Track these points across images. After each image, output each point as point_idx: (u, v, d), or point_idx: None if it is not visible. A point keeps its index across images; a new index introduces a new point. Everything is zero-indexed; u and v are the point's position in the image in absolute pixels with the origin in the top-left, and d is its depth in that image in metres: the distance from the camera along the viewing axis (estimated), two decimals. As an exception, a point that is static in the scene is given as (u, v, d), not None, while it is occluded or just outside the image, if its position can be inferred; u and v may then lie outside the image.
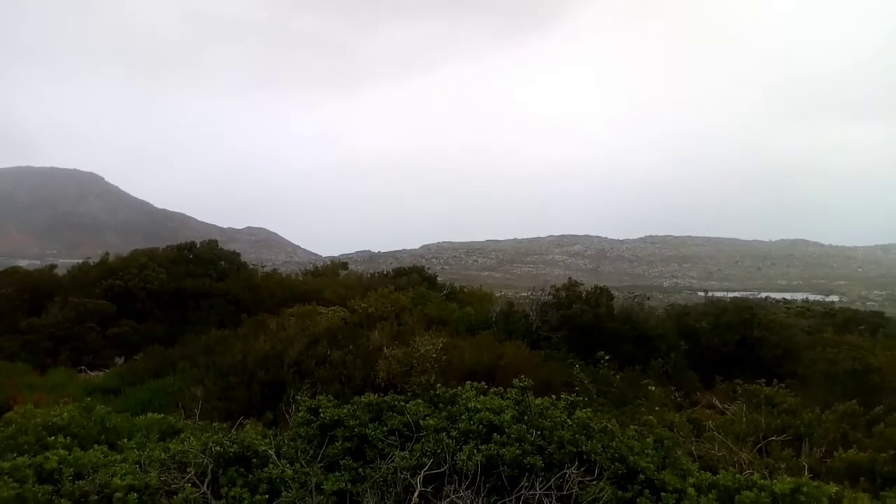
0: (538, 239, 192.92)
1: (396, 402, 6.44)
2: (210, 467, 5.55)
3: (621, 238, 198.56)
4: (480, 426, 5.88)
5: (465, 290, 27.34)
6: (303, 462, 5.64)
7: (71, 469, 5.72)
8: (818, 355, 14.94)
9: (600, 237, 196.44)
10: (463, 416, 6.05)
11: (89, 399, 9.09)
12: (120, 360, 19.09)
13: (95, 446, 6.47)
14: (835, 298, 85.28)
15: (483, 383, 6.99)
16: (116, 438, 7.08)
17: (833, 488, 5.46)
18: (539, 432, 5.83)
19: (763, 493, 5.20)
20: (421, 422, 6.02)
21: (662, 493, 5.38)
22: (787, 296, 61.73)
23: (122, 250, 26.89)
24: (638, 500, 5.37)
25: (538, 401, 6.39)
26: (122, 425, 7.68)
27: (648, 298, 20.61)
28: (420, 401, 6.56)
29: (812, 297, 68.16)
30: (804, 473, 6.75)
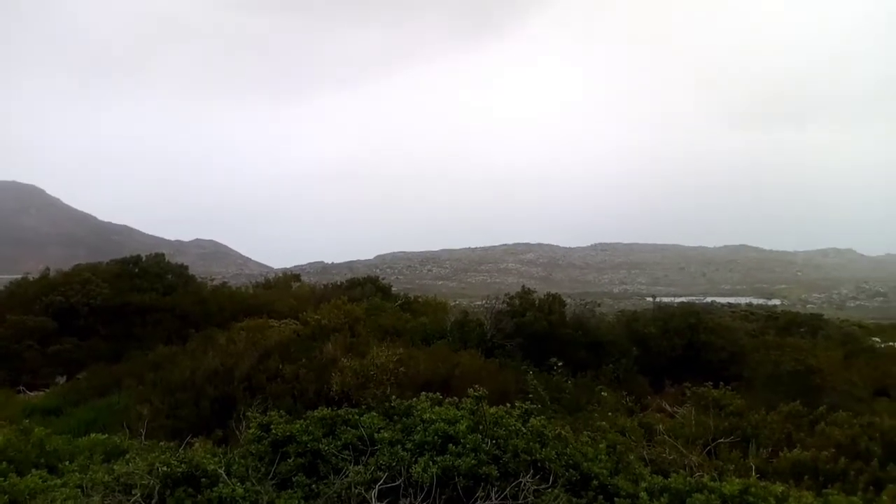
0: (492, 247, 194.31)
1: (350, 416, 6.37)
2: (157, 489, 5.37)
3: (572, 245, 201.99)
4: (436, 437, 5.85)
5: (420, 299, 27.29)
6: (254, 480, 5.51)
7: (6, 496, 5.46)
8: (762, 357, 15.39)
9: (552, 245, 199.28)
10: (418, 428, 6.01)
11: (27, 421, 8.72)
12: (62, 379, 18.38)
13: (34, 471, 6.20)
14: (776, 302, 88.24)
15: (438, 394, 6.97)
16: (57, 462, 6.80)
17: (779, 488, 5.62)
18: (494, 441, 5.84)
19: (713, 495, 5.31)
20: (376, 435, 5.96)
21: (616, 499, 5.44)
22: (731, 300, 63.54)
23: (64, 265, 25.91)
24: (592, 506, 5.42)
25: (493, 410, 6.41)
26: (62, 447, 7.39)
27: (599, 305, 20.91)
28: (374, 413, 6.51)
29: (755, 301, 70.34)
30: (752, 474, 6.92)
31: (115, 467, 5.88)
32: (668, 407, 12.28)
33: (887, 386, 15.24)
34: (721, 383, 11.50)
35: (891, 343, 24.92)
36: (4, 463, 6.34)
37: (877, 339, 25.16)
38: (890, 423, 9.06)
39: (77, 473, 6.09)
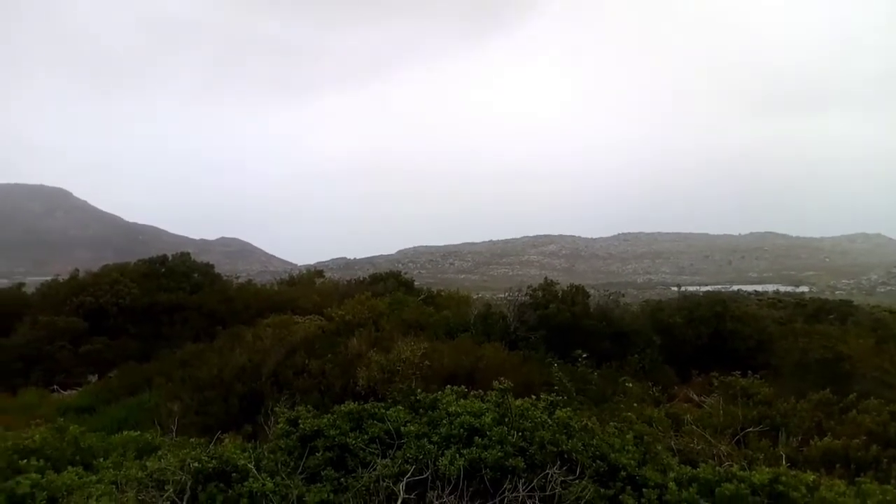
0: (513, 240, 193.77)
1: (377, 410, 6.41)
2: (189, 484, 5.46)
3: (595, 236, 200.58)
4: (462, 430, 5.87)
5: (443, 293, 27.31)
6: (283, 475, 5.58)
7: (44, 493, 5.59)
8: (790, 345, 15.18)
9: (574, 236, 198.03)
10: (444, 421, 6.04)
11: (62, 419, 8.90)
12: (93, 378, 18.75)
13: (70, 468, 6.33)
14: (804, 289, 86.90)
15: (463, 387, 6.99)
16: (91, 459, 6.94)
17: (810, 476, 5.56)
18: (520, 434, 5.84)
19: (742, 485, 5.27)
20: (402, 428, 6.00)
21: (644, 489, 5.42)
22: (758, 288, 62.78)
23: (92, 266, 26.38)
24: (620, 496, 5.40)
25: (518, 402, 6.41)
26: (96, 445, 7.53)
27: (623, 295, 20.76)
28: (400, 407, 6.54)
29: (782, 289, 69.38)
30: (782, 463, 6.86)
31: (147, 464, 5.98)
32: (695, 397, 12.18)
33: (920, 372, 14.94)
34: (749, 372, 11.39)
35: (923, 328, 24.41)
36: (42, 460, 6.50)
37: (908, 325, 24.64)
38: (923, 409, 8.91)
39: (111, 470, 6.21)
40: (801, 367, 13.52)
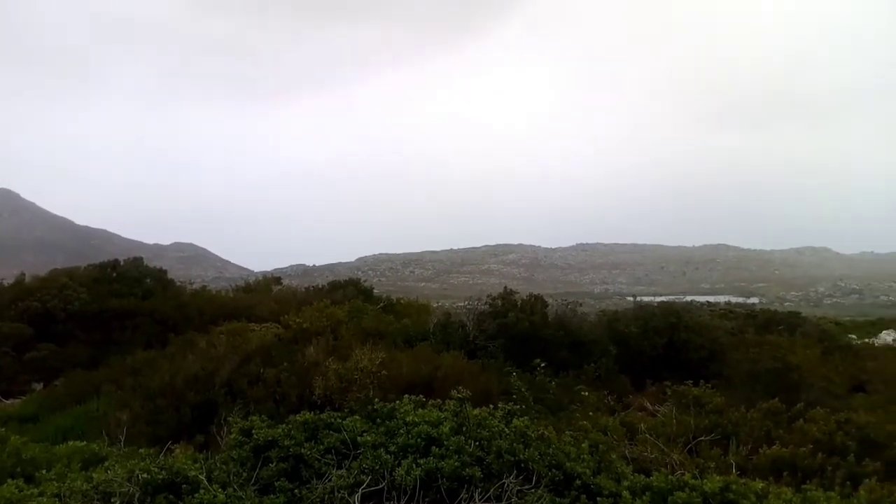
0: (473, 249, 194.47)
1: (333, 420, 6.33)
2: (137, 496, 5.30)
3: (554, 246, 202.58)
4: (419, 440, 5.84)
5: (402, 301, 27.26)
6: (236, 486, 5.46)
7: (-18, 506, 5.37)
8: (741, 355, 15.56)
9: (534, 245, 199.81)
10: (401, 431, 6.00)
11: (3, 429, 8.56)
12: (38, 386, 18.12)
13: (10, 480, 6.08)
14: (755, 300, 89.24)
15: (421, 396, 6.96)
16: (34, 470, 6.68)
17: (759, 484, 5.68)
18: (477, 443, 5.84)
19: (694, 493, 5.36)
20: (358, 438, 5.94)
21: (598, 498, 5.47)
22: (711, 299, 64.12)
23: (41, 270, 25.57)
24: (575, 505, 5.44)
25: (476, 411, 6.41)
26: (39, 456, 7.27)
27: (581, 305, 21.01)
28: (357, 417, 6.48)
29: (734, 300, 71.04)
30: (732, 471, 7.00)
31: (93, 475, 5.79)
32: (649, 405, 12.37)
33: (863, 382, 15.50)
34: (701, 381, 11.60)
35: (866, 340, 25.36)
36: (-20, 472, 6.24)
37: (853, 336, 25.59)
38: (866, 418, 9.22)
39: (54, 482, 5.99)
40: (751, 377, 13.86)
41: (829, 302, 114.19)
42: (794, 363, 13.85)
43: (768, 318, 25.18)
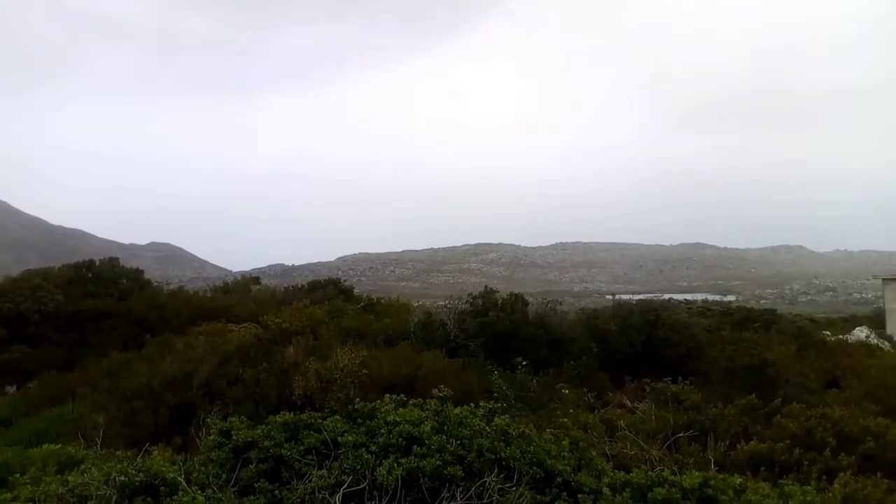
0: (454, 248, 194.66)
1: (313, 420, 6.30)
2: (114, 499, 5.23)
3: (534, 245, 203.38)
4: (400, 439, 5.83)
5: (383, 301, 27.20)
6: (215, 488, 5.41)
7: (-46, 512, 5.26)
8: (718, 352, 15.72)
9: (514, 245, 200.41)
10: (382, 430, 5.98)
11: (-25, 433, 8.41)
12: (11, 389, 17.81)
13: (-17, 485, 5.98)
14: (731, 298, 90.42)
15: (402, 395, 6.94)
16: (7, 474, 6.58)
17: (737, 480, 5.76)
18: (459, 442, 5.84)
19: (673, 489, 5.41)
20: (339, 438, 5.91)
21: (579, 495, 5.50)
22: (688, 296, 64.85)
23: (13, 271, 25.11)
24: (556, 502, 5.46)
25: (457, 410, 6.41)
26: (13, 459, 7.15)
27: (560, 303, 21.11)
28: (338, 417, 6.45)
29: (711, 297, 71.95)
30: (711, 467, 7.08)
31: (69, 478, 5.70)
32: (628, 402, 12.46)
33: (837, 377, 15.73)
34: (679, 378, 11.72)
35: (840, 336, 25.78)
36: (-49, 477, 6.11)
37: (827, 333, 25.96)
38: (840, 413, 9.36)
39: (29, 486, 5.89)
40: (728, 374, 14.02)
41: (803, 299, 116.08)
42: (770, 359, 14.04)
43: (744, 316, 25.50)
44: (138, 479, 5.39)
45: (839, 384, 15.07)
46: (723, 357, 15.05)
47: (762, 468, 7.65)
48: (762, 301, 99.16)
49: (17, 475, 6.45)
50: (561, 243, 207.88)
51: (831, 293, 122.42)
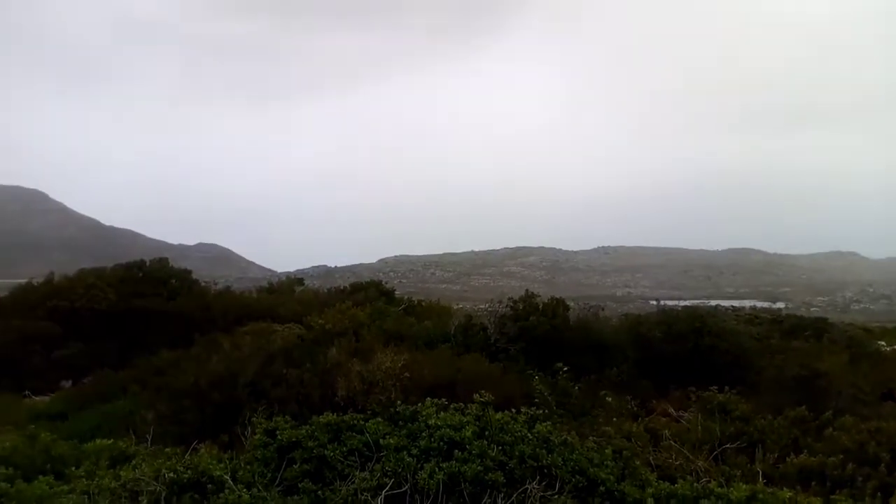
0: (494, 251, 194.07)
1: (356, 422, 6.35)
2: (163, 495, 5.37)
3: (575, 249, 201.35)
4: (441, 443, 5.84)
5: (424, 303, 27.30)
6: (260, 486, 5.51)
7: (13, 503, 5.47)
8: (767, 362, 15.36)
9: (555, 248, 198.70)
10: (424, 434, 6.00)
11: (33, 426, 8.73)
12: (67, 384, 18.45)
13: (40, 477, 6.20)
14: (781, 305, 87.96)
15: (443, 399, 6.95)
16: (63, 467, 6.80)
17: (787, 493, 5.61)
18: (500, 447, 5.82)
19: (720, 502, 5.30)
20: (381, 441, 5.95)
21: (623, 505, 5.43)
22: (736, 303, 63.43)
23: (68, 270, 25.99)
24: (599, 512, 5.41)
25: (499, 415, 6.40)
26: (69, 453, 7.39)
27: (603, 308, 20.92)
28: (380, 419, 6.49)
29: (759, 305, 70.16)
30: (759, 480, 6.91)
31: (121, 473, 5.87)
32: (672, 411, 12.24)
33: (893, 389, 15.19)
34: (726, 387, 11.47)
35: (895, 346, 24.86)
36: (11, 469, 6.36)
37: (882, 343, 25.09)
38: (896, 427, 9.04)
39: (83, 479, 6.09)
40: (777, 384, 13.66)
41: (856, 307, 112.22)
42: (821, 370, 13.63)
43: (794, 324, 24.83)
44: (186, 475, 5.52)
45: (895, 397, 14.55)
46: (771, 366, 14.68)
47: (813, 483, 7.45)
48: (813, 309, 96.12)
49: (73, 468, 6.68)
50: (603, 247, 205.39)
51: (886, 301, 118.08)
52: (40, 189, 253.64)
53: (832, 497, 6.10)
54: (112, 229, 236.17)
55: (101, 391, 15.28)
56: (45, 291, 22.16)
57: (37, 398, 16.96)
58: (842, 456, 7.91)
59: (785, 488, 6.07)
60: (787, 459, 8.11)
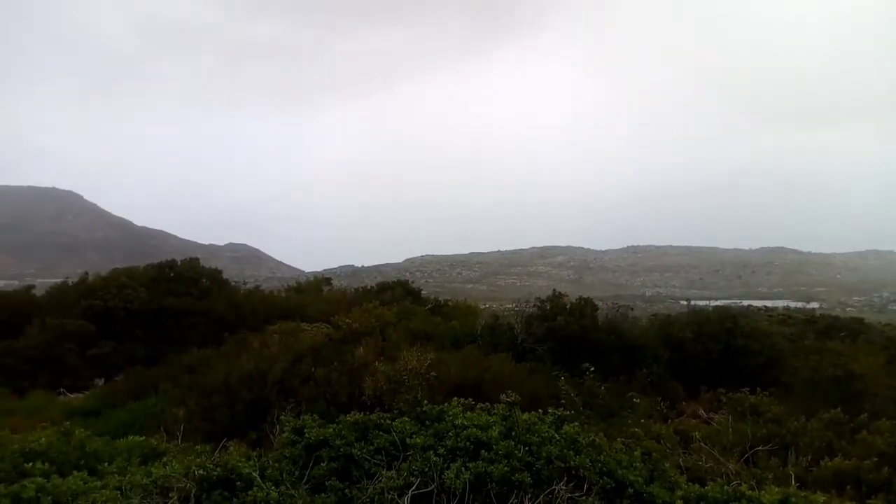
0: (521, 251, 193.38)
1: (383, 421, 6.36)
2: (193, 491, 5.43)
3: (603, 248, 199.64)
4: (468, 443, 5.82)
5: (450, 303, 27.30)
6: (288, 484, 5.55)
7: (49, 497, 5.59)
8: (801, 363, 15.06)
9: (583, 248, 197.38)
10: (450, 434, 5.99)
11: (68, 423, 8.91)
12: (100, 382, 18.81)
13: (75, 472, 6.33)
14: (815, 305, 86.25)
15: (470, 398, 6.94)
16: (97, 463, 6.94)
17: (821, 498, 5.49)
18: (527, 448, 5.79)
19: (751, 505, 5.20)
20: (408, 440, 5.95)
21: (652, 507, 5.36)
22: (769, 303, 62.38)
23: (101, 269, 26.54)
24: (627, 514, 5.34)
25: (525, 416, 6.36)
26: (102, 449, 7.53)
27: (632, 308, 20.69)
28: (406, 418, 6.50)
29: (793, 305, 68.88)
30: (791, 483, 6.76)
31: (152, 470, 5.97)
32: (703, 413, 12.08)
33: (932, 392, 14.78)
34: (758, 389, 11.28)
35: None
36: (47, 464, 6.50)
37: (920, 344, 24.38)
38: (936, 431, 8.79)
39: (116, 475, 6.21)
40: (811, 385, 13.39)
41: (894, 307, 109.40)
42: (857, 371, 13.33)
43: (829, 324, 24.31)
44: (216, 473, 5.58)
45: (934, 400, 14.15)
46: (805, 367, 14.39)
47: (847, 486, 7.27)
48: (848, 309, 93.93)
49: (106, 464, 6.81)
50: (632, 246, 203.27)
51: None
52: (75, 191, 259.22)
53: (867, 502, 5.95)
54: (144, 230, 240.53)
55: (133, 389, 15.56)
56: (79, 291, 22.63)
57: (71, 395, 17.33)
58: (877, 459, 7.71)
59: (818, 492, 5.93)
60: (821, 463, 7.93)
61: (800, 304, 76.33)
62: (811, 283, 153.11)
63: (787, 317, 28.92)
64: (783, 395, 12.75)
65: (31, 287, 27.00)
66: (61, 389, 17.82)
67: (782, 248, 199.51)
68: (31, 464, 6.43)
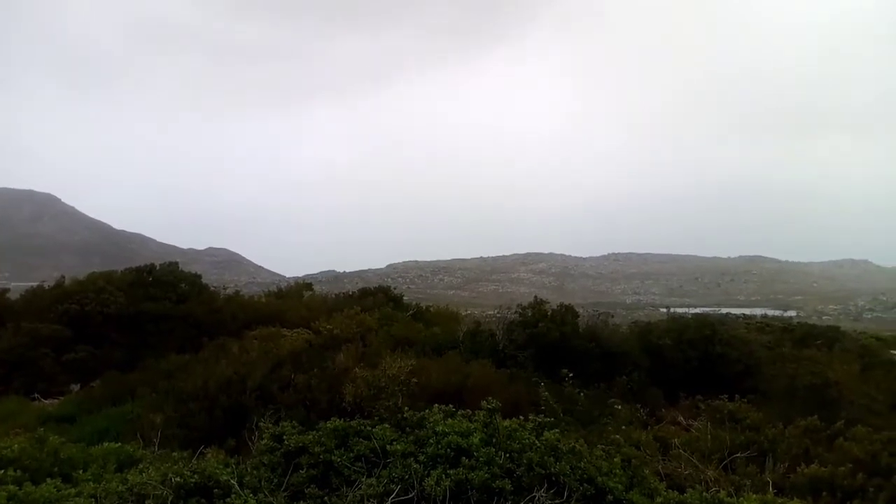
0: (503, 257, 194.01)
1: (363, 427, 6.33)
2: (170, 499, 5.36)
3: (585, 256, 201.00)
4: (449, 450, 5.81)
5: (432, 309, 27.25)
6: (266, 491, 5.49)
7: (21, 505, 5.48)
8: (778, 370, 15.21)
9: (564, 255, 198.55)
10: (431, 440, 5.98)
11: (42, 429, 8.76)
12: (76, 387, 18.51)
13: (48, 480, 6.21)
14: (792, 313, 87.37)
15: (451, 405, 6.92)
16: (71, 470, 6.82)
17: (797, 504, 5.54)
18: (508, 455, 5.79)
19: (730, 512, 5.24)
20: (388, 447, 5.93)
21: (631, 514, 5.38)
22: (747, 311, 62.98)
23: (79, 273, 26.14)
24: (607, 521, 5.36)
25: (506, 423, 6.36)
26: (77, 456, 7.41)
27: (612, 315, 20.77)
28: (387, 425, 6.47)
29: (770, 313, 69.71)
30: (769, 490, 6.83)
31: (128, 477, 5.88)
32: (682, 420, 12.16)
33: (906, 400, 15.00)
34: (736, 396, 11.38)
35: (909, 356, 24.55)
36: (20, 471, 6.37)
37: (895, 352, 24.80)
38: (910, 438, 8.93)
39: (91, 483, 6.10)
40: (788, 393, 13.54)
41: (869, 316, 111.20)
42: (833, 379, 13.50)
43: (806, 333, 24.56)
44: (193, 480, 5.51)
45: (908, 407, 14.37)
46: (783, 375, 14.55)
47: (824, 493, 7.35)
48: (825, 317, 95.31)
49: (80, 471, 6.69)
50: (613, 254, 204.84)
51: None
52: (52, 193, 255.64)
53: (844, 508, 6.03)
54: (122, 233, 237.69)
55: (109, 394, 15.32)
56: (55, 295, 22.26)
57: (46, 401, 17.04)
58: (852, 466, 7.81)
59: (795, 498, 6.00)
60: (798, 469, 8.01)
61: (777, 312, 77.29)
62: (788, 292, 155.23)
63: (764, 325, 29.21)
64: (761, 402, 12.87)
65: (6, 290, 26.51)
66: (36, 395, 17.51)
67: (760, 256, 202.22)
68: (2, 471, 6.29)
